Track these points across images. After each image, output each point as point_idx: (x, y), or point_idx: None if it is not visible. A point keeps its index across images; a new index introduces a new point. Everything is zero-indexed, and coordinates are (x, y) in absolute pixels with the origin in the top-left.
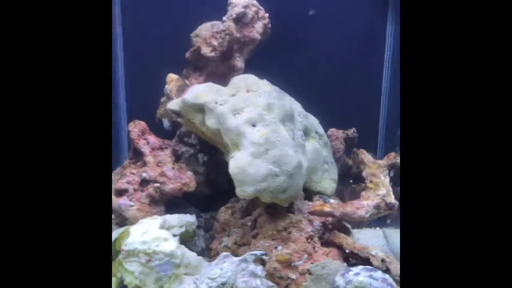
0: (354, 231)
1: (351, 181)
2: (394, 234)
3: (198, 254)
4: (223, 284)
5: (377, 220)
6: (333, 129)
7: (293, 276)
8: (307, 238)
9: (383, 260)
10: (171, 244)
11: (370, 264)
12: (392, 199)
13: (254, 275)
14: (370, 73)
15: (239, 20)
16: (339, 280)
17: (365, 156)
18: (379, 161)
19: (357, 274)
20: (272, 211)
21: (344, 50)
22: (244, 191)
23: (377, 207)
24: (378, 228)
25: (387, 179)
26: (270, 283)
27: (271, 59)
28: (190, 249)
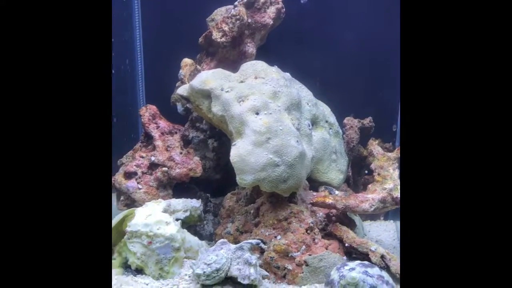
0: (367, 223)
1: (366, 171)
2: None
3: (206, 238)
4: (217, 270)
5: (393, 213)
6: (349, 118)
7: (290, 267)
8: (306, 229)
9: (382, 257)
10: (171, 228)
11: (370, 260)
12: (399, 193)
13: (248, 263)
14: (389, 60)
15: (251, 4)
16: (334, 274)
17: (375, 147)
18: (389, 154)
19: (351, 269)
20: (274, 200)
21: (361, 36)
22: (243, 179)
23: (382, 201)
24: (392, 221)
25: (396, 172)
26: (264, 272)
27: (285, 44)
28: (199, 233)
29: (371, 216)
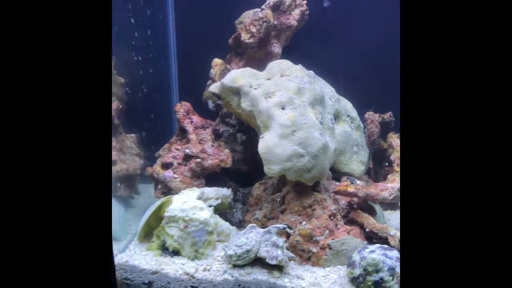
0: (387, 212)
1: (386, 163)
2: None
3: (236, 225)
4: (248, 251)
5: None
6: (370, 113)
7: (314, 250)
8: (329, 216)
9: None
10: (205, 213)
11: (389, 243)
12: None
13: (275, 245)
14: None
15: (277, 7)
16: (355, 256)
17: (394, 140)
18: None
19: (372, 251)
20: (299, 189)
21: (383, 35)
22: (270, 169)
23: None
24: None
25: None
26: (290, 254)
27: (309, 44)
28: (229, 220)
29: (392, 206)
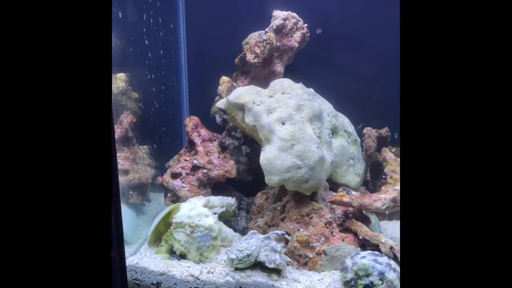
0: (384, 222)
1: (383, 176)
2: None
3: (240, 232)
4: (248, 255)
5: None
6: (368, 128)
7: (311, 255)
8: (325, 224)
9: (391, 248)
10: (210, 220)
11: (380, 250)
12: None
13: (274, 250)
14: None
15: (280, 30)
16: (348, 262)
17: (387, 154)
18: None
19: (363, 257)
20: (298, 199)
21: (379, 56)
22: (271, 179)
23: (394, 200)
24: None
25: None
26: (288, 258)
27: (311, 62)
28: (234, 227)
29: (388, 216)
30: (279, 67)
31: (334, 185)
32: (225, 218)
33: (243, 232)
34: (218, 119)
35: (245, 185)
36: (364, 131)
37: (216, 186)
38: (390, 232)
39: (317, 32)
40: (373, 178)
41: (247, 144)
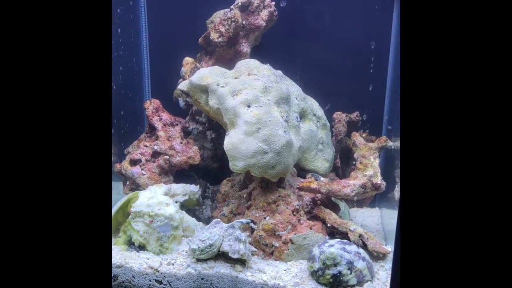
0: (353, 210)
1: (354, 162)
2: (388, 214)
3: (205, 222)
4: (210, 245)
5: (379, 200)
6: (338, 113)
7: (277, 244)
8: (292, 211)
9: (360, 236)
10: (171, 209)
11: (349, 238)
12: (378, 179)
13: (238, 240)
14: (376, 58)
15: (245, 8)
16: (315, 251)
17: (357, 138)
18: (370, 144)
19: (331, 246)
20: (264, 185)
21: (350, 36)
22: (235, 165)
23: (363, 186)
24: (377, 208)
25: (377, 161)
26: (253, 248)
27: (280, 44)
28: (198, 216)
29: (358, 203)
30: (245, 47)
31: (302, 171)
32: (188, 207)
33: (208, 221)
34: (181, 102)
35: (210, 172)
36: (334, 115)
37: (180, 174)
38: (360, 219)
39: (281, 5)
40: (343, 164)
41: (212, 129)
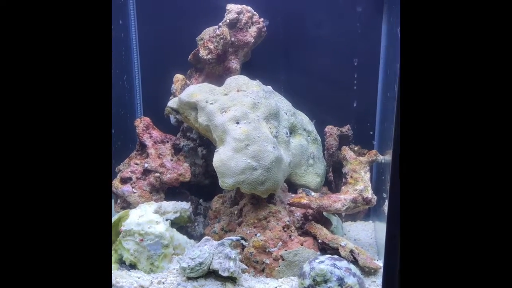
0: (347, 224)
1: (345, 176)
2: (381, 228)
3: (197, 239)
4: (200, 263)
5: (372, 214)
6: (330, 126)
7: (267, 261)
8: (283, 227)
9: (351, 251)
10: (161, 227)
11: (339, 254)
12: (369, 194)
13: (228, 257)
14: (367, 73)
15: (234, 25)
16: (306, 267)
17: (347, 152)
18: (361, 158)
19: (321, 262)
20: (255, 202)
21: (341, 50)
22: (225, 182)
23: (354, 201)
24: (371, 222)
25: (367, 175)
26: (244, 266)
27: (270, 60)
28: (190, 233)
29: (352, 217)
30: (234, 64)
31: (293, 187)
32: (180, 224)
33: (201, 238)
34: (172, 119)
35: (202, 189)
36: (326, 129)
37: (172, 191)
38: (353, 234)
39: (264, 24)
40: (336, 178)
41: (203, 146)
